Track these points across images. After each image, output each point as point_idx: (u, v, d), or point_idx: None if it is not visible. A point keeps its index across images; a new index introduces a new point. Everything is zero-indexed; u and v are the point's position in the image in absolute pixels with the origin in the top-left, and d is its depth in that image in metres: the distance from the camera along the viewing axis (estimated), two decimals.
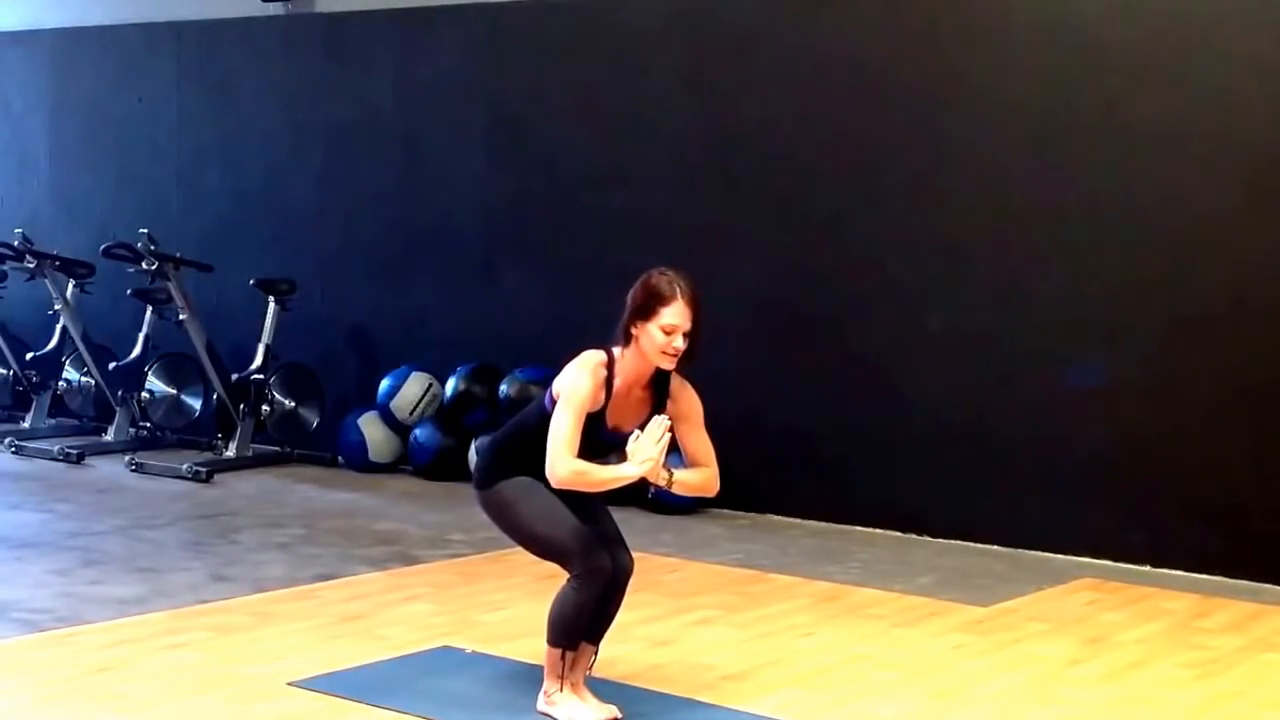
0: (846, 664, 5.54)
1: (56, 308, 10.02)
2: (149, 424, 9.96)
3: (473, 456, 8.67)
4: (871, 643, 5.82)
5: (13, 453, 9.74)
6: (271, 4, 9.93)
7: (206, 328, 9.44)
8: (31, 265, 10.02)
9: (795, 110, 8.13)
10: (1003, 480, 7.63)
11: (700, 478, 4.72)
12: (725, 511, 8.16)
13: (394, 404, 9.19)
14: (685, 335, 4.55)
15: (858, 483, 8.05)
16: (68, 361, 10.37)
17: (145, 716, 4.75)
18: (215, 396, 9.62)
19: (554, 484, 4.55)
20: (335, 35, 9.78)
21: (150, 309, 9.85)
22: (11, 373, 10.52)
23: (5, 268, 10.27)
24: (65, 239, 10.53)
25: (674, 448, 4.65)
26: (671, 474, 4.55)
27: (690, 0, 8.51)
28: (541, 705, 4.81)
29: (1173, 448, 7.20)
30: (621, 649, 5.38)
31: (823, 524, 8.05)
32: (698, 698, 5.06)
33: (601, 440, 4.62)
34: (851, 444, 8.05)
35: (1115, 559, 7.28)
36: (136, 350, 9.87)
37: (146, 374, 9.80)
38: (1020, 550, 7.51)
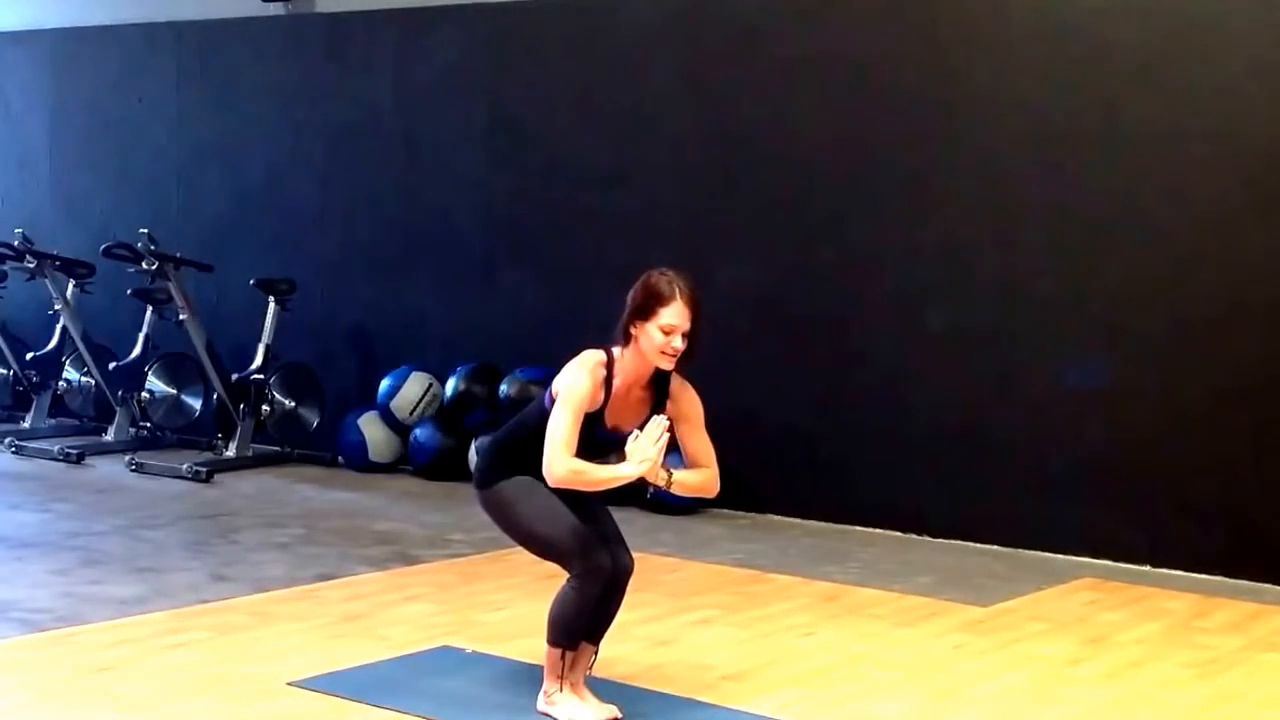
0: (846, 664, 5.54)
1: (56, 308, 10.02)
2: (149, 424, 9.96)
3: (473, 456, 8.68)
4: (871, 643, 5.83)
5: (13, 453, 9.74)
6: (271, 4, 9.93)
7: (206, 328, 9.44)
8: (31, 265, 10.02)
9: (795, 110, 8.13)
10: (1002, 480, 7.63)
11: (700, 478, 4.72)
12: (725, 511, 8.16)
13: (394, 404, 9.19)
14: (684, 335, 4.55)
15: (858, 483, 8.05)
16: (68, 361, 10.37)
17: (145, 716, 4.75)
18: (215, 396, 9.62)
19: (551, 483, 4.55)
20: (335, 35, 9.78)
21: (150, 309, 9.85)
22: (11, 373, 10.52)
23: (5, 268, 10.27)
24: (65, 239, 10.54)
25: (675, 448, 4.66)
26: (671, 474, 4.55)
27: (690, 0, 8.51)
28: (541, 705, 4.81)
29: (1173, 448, 7.21)
30: (621, 649, 5.38)
31: (823, 524, 8.05)
32: (698, 698, 5.06)
33: (600, 440, 4.62)
34: (851, 444, 8.05)
35: (1115, 559, 7.29)
36: (136, 350, 9.87)
37: (146, 374, 9.80)
38: (1020, 550, 7.52)
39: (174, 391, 9.91)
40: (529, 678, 5.03)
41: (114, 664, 5.26)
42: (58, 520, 7.76)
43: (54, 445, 9.71)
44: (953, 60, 7.71)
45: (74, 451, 9.55)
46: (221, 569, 6.77)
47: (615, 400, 4.63)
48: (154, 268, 9.32)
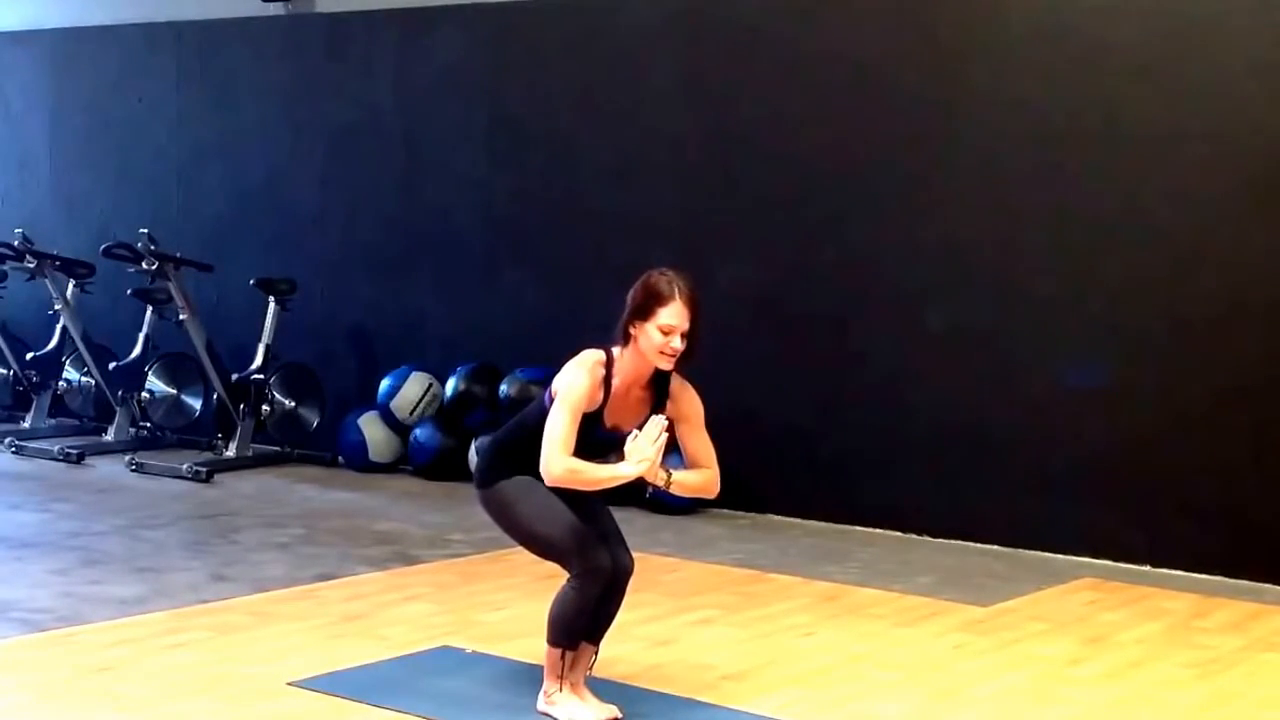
0: (846, 664, 5.54)
1: (57, 308, 10.02)
2: (149, 424, 9.96)
3: (473, 456, 8.68)
4: (871, 643, 5.83)
5: (13, 453, 9.74)
6: (271, 4, 9.93)
7: (206, 328, 9.44)
8: (32, 265, 10.02)
9: (795, 110, 8.13)
10: (1002, 480, 7.63)
11: (700, 479, 4.72)
12: (725, 511, 8.16)
13: (394, 404, 9.19)
14: (683, 336, 4.55)
15: (858, 483, 8.05)
16: (68, 361, 10.37)
17: (145, 716, 4.75)
18: (215, 396, 9.62)
19: (548, 482, 4.55)
20: (335, 35, 9.78)
21: (150, 309, 9.85)
22: (11, 373, 10.52)
23: (5, 268, 10.27)
24: (65, 239, 10.54)
25: (676, 448, 4.66)
26: (670, 474, 4.54)
27: (690, 0, 8.51)
28: (541, 705, 4.81)
29: (1172, 448, 7.21)
30: (621, 649, 5.38)
31: (823, 524, 8.05)
32: (698, 698, 5.06)
33: (600, 439, 4.62)
34: (851, 444, 8.05)
35: (1115, 559, 7.29)
36: (136, 350, 9.87)
37: (146, 374, 9.80)
38: (1020, 550, 7.52)
39: (174, 391, 9.91)
40: (529, 678, 5.03)
41: (114, 664, 5.26)
42: (58, 520, 7.76)
43: (54, 445, 9.71)
44: (953, 60, 7.71)
45: (74, 451, 9.55)
46: (221, 569, 6.77)
47: (615, 400, 4.63)
48: (154, 268, 9.32)
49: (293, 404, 9.60)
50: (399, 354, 9.44)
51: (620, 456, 4.54)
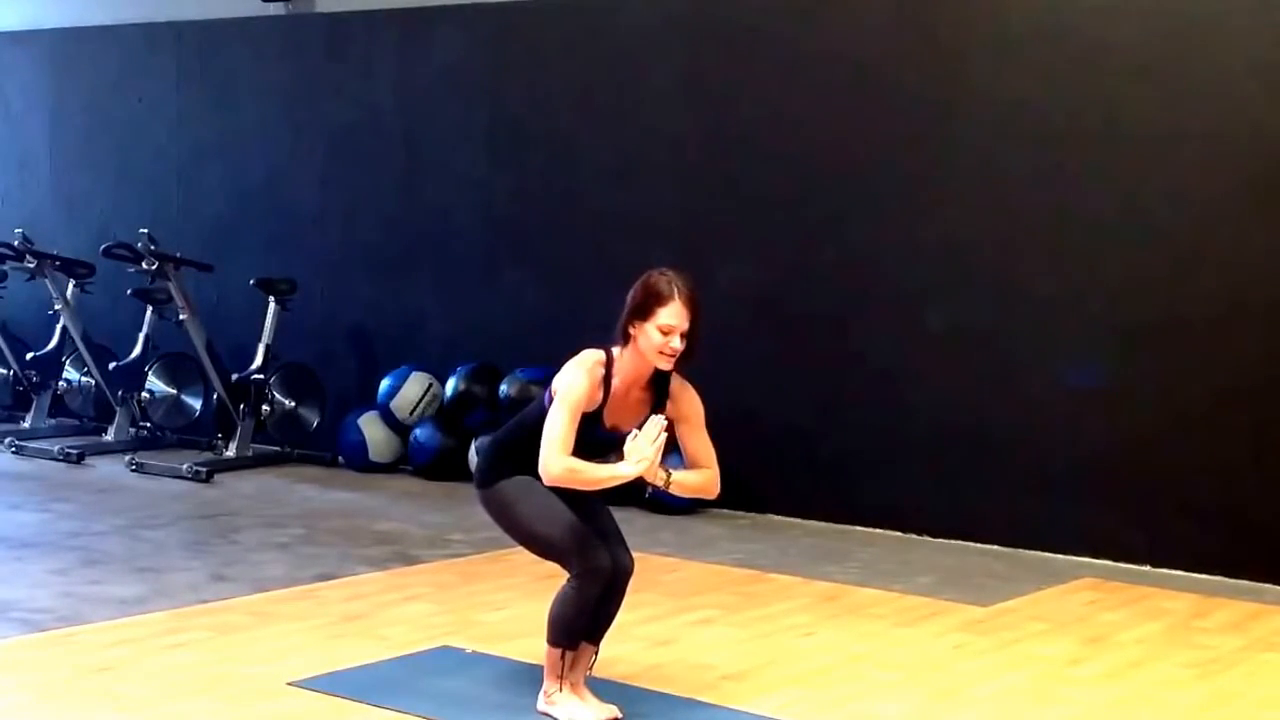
0: (846, 664, 5.54)
1: (57, 308, 10.02)
2: (149, 424, 9.96)
3: (473, 457, 8.68)
4: (871, 643, 5.83)
5: (13, 453, 9.74)
6: (271, 4, 9.93)
7: (206, 328, 9.44)
8: (32, 265, 10.02)
9: (795, 110, 8.13)
10: (1003, 480, 7.63)
11: (700, 479, 4.72)
12: (725, 511, 8.16)
13: (394, 404, 9.19)
14: (683, 336, 4.55)
15: (858, 483, 8.05)
16: (68, 361, 10.37)
17: (145, 716, 4.75)
18: (215, 396, 9.62)
19: (546, 481, 4.55)
20: (335, 35, 9.78)
21: (150, 309, 9.85)
22: (11, 373, 10.52)
23: (5, 268, 10.27)
24: (65, 239, 10.54)
25: (677, 449, 4.66)
26: (669, 474, 4.54)
27: (690, 0, 8.51)
28: (541, 705, 4.81)
29: (1172, 448, 7.21)
30: (621, 649, 5.38)
31: (823, 524, 8.05)
32: (698, 698, 5.06)
33: (600, 439, 4.62)
34: (851, 444, 8.05)
35: (1115, 559, 7.29)
36: (136, 350, 9.87)
37: (146, 374, 9.80)
38: (1020, 550, 7.52)
39: (174, 391, 9.91)
40: (529, 678, 5.03)
41: (114, 664, 5.26)
42: (58, 520, 7.76)
43: (54, 445, 9.71)
44: (953, 60, 7.71)
45: (74, 451, 9.55)
46: (221, 569, 6.77)
47: (614, 400, 4.63)
48: (154, 268, 9.32)
49: (293, 404, 9.60)
50: (399, 354, 9.44)
51: (620, 456, 4.54)
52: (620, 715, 4.78)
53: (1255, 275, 7.01)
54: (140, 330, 9.88)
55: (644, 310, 4.54)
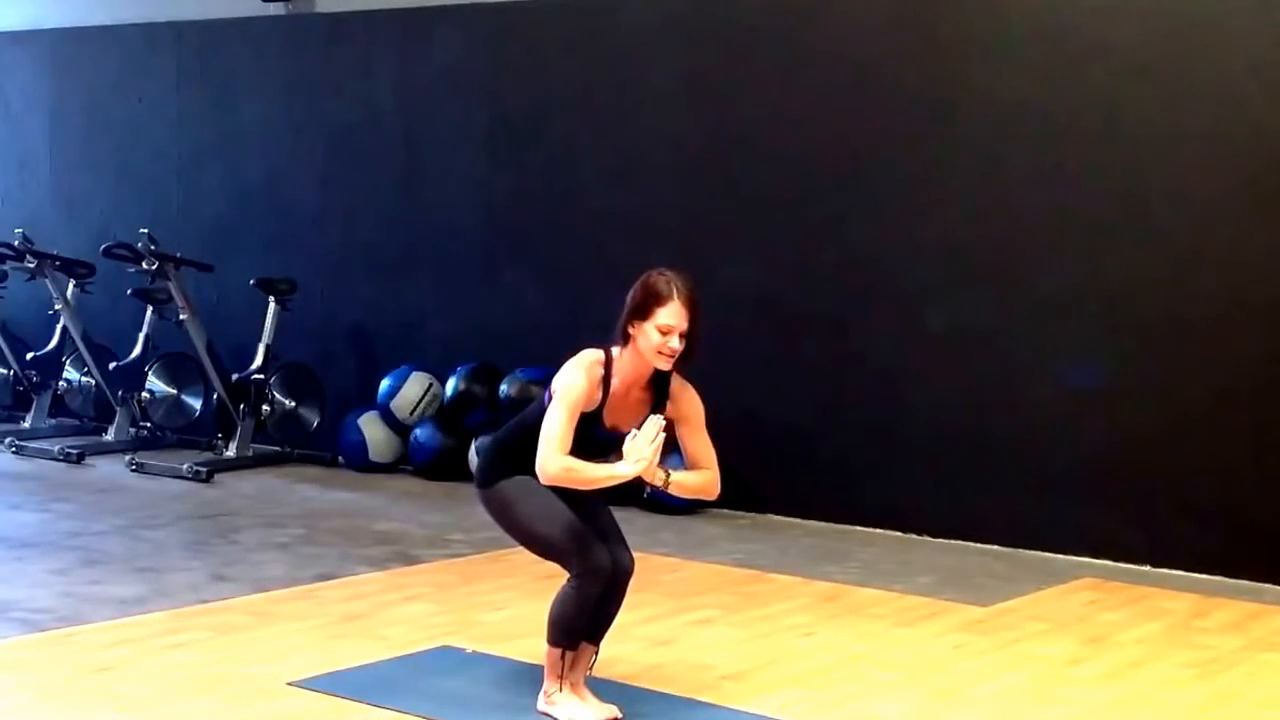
0: (846, 664, 5.54)
1: (57, 308, 10.02)
2: (149, 424, 9.96)
3: (473, 457, 8.68)
4: (871, 643, 5.83)
5: (13, 453, 9.74)
6: (271, 4, 9.93)
7: (206, 328, 9.45)
8: (32, 265, 10.02)
9: (795, 110, 8.13)
10: (1003, 480, 7.63)
11: (700, 480, 4.72)
12: (725, 511, 8.16)
13: (394, 404, 9.19)
14: (682, 336, 4.54)
15: (857, 483, 8.05)
16: (68, 361, 10.37)
17: (145, 716, 4.75)
18: (215, 396, 9.62)
19: (543, 480, 4.54)
20: (335, 35, 9.78)
21: (150, 309, 9.85)
22: (12, 373, 10.52)
23: (5, 268, 10.27)
24: (65, 239, 10.54)
25: (677, 449, 4.65)
26: (669, 475, 4.54)
27: (690, 0, 8.51)
28: (541, 705, 4.81)
29: (1172, 448, 7.21)
30: (621, 649, 5.37)
31: (823, 524, 8.05)
32: (698, 698, 5.06)
33: (599, 439, 4.62)
34: (851, 444, 8.05)
35: (1115, 559, 7.29)
36: (137, 350, 9.87)
37: (147, 374, 9.80)
38: (1020, 550, 7.52)
39: (174, 391, 9.91)
40: (529, 678, 5.03)
41: (114, 664, 5.26)
42: (58, 520, 7.76)
43: (54, 445, 9.71)
44: (953, 60, 7.71)
45: (74, 451, 9.55)
46: (221, 569, 6.77)
47: (614, 400, 4.63)
48: (154, 268, 9.32)
49: (293, 404, 9.60)
50: (399, 354, 9.44)
51: (620, 456, 4.54)
52: (620, 715, 4.78)
53: (1255, 275, 7.01)
54: (140, 330, 9.88)
55: (643, 310, 4.54)
